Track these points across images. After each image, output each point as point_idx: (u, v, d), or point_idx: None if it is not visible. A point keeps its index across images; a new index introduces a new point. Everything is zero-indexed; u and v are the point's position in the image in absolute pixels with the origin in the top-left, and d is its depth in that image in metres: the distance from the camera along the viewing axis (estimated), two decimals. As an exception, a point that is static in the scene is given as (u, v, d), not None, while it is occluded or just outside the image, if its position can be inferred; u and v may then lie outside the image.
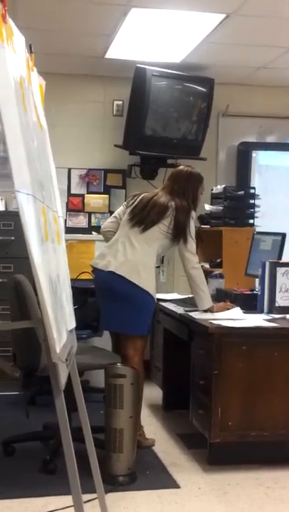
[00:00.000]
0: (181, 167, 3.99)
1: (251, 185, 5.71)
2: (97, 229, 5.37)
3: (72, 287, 2.74)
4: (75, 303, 2.75)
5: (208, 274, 4.36)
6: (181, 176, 3.87)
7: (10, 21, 1.86)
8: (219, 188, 5.47)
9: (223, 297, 4.21)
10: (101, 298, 3.84)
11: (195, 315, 3.73)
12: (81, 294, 4.52)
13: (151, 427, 4.12)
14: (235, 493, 3.19)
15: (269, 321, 3.67)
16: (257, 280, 4.19)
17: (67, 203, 5.61)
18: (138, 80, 5.12)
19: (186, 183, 3.82)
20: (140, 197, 3.84)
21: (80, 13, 4.18)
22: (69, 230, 5.46)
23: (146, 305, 3.70)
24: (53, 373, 1.87)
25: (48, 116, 2.69)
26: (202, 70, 5.39)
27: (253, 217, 5.40)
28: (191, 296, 4.02)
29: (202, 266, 3.92)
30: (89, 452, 2.64)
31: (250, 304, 4.03)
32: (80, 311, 4.22)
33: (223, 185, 5.43)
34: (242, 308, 3.89)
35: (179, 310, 4.00)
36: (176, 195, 3.77)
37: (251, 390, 3.45)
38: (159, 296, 4.05)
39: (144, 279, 3.65)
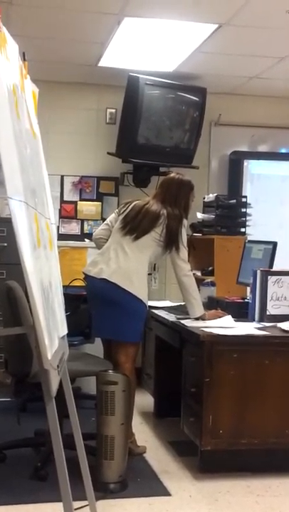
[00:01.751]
0: (172, 175, 4.00)
1: (243, 194, 5.74)
2: (90, 236, 5.39)
3: (65, 294, 2.75)
4: (67, 309, 2.75)
5: (199, 282, 4.38)
6: (172, 183, 3.88)
7: (3, 29, 1.88)
8: (211, 196, 5.50)
9: (214, 305, 4.22)
10: (93, 305, 3.85)
11: (187, 322, 3.75)
12: (73, 300, 4.52)
13: (143, 434, 4.12)
14: (225, 500, 3.20)
15: (260, 329, 3.68)
16: (248, 288, 4.20)
17: (60, 210, 5.63)
18: (131, 88, 5.15)
19: (177, 191, 3.84)
20: (132, 205, 3.86)
21: (73, 21, 4.21)
22: (61, 237, 5.47)
23: (139, 312, 3.71)
24: (45, 380, 1.87)
25: (42, 123, 2.70)
26: (195, 80, 5.42)
27: (244, 225, 5.43)
28: (182, 303, 4.03)
29: (194, 274, 3.93)
30: (80, 459, 2.64)
31: (241, 312, 4.04)
32: (72, 317, 4.22)
33: (215, 194, 5.46)
34: (233, 317, 3.90)
35: (171, 317, 4.01)
36: (168, 203, 3.79)
37: (242, 398, 3.46)
38: (151, 303, 4.06)
39: (137, 286, 3.66)
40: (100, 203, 5.71)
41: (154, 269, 5.59)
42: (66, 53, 4.92)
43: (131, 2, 3.83)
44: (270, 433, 3.49)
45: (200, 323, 3.71)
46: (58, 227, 5.57)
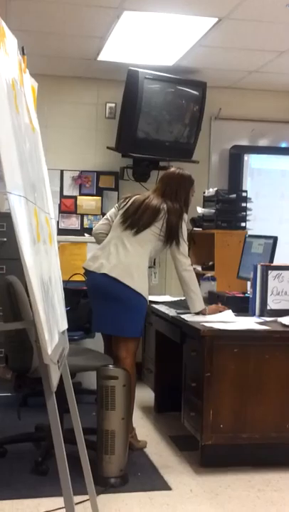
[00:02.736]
0: (172, 169, 3.99)
1: (243, 189, 5.73)
2: (90, 231, 5.38)
3: (65, 289, 2.75)
4: (67, 304, 2.75)
5: (200, 277, 4.37)
6: (172, 178, 3.88)
7: (2, 23, 1.87)
8: (211, 191, 5.50)
9: (215, 300, 4.22)
10: (94, 300, 3.84)
11: (187, 317, 3.74)
12: (73, 295, 4.52)
13: (144, 429, 4.12)
14: (226, 495, 3.20)
15: (260, 323, 3.68)
16: (249, 283, 4.20)
17: (59, 205, 5.62)
18: (131, 82, 5.13)
19: (177, 186, 3.83)
20: (132, 199, 3.85)
21: (72, 15, 4.19)
22: (61, 232, 5.46)
23: (139, 307, 3.70)
24: (45, 375, 1.88)
25: (41, 118, 2.70)
26: (194, 74, 5.41)
27: (244, 220, 5.43)
28: (183, 298, 4.03)
29: (194, 268, 3.93)
30: (81, 454, 2.65)
31: (242, 306, 4.04)
32: (72, 312, 4.24)
33: (216, 189, 5.45)
34: (234, 311, 3.90)
35: (171, 312, 4.01)
36: (168, 197, 3.78)
37: (243, 393, 3.46)
38: (151, 298, 4.06)
39: (137, 281, 3.66)
40: (99, 198, 5.70)
41: (155, 264, 5.59)
42: (65, 47, 4.90)
43: (130, -4, 3.82)
44: (271, 427, 3.49)
45: (200, 318, 3.71)
46: (58, 221, 5.57)
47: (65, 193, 5.67)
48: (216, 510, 3.04)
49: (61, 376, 2.22)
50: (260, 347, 3.49)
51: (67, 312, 2.71)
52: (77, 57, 5.13)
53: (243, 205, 5.42)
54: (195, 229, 5.52)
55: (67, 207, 5.66)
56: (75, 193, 5.69)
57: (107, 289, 3.68)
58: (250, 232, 5.17)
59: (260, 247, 4.35)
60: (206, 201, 5.55)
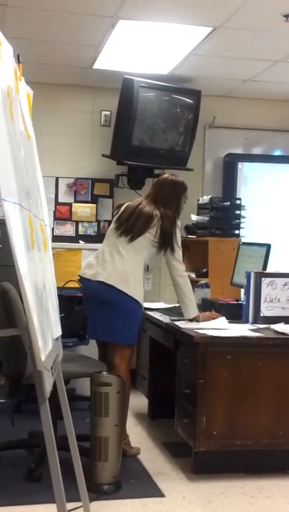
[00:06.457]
0: (165, 175, 4.00)
1: (237, 197, 5.76)
2: (84, 238, 5.40)
3: (59, 295, 2.76)
4: (61, 311, 2.76)
5: (194, 284, 4.38)
6: (165, 184, 3.89)
7: (-2, 32, 1.89)
8: (205, 198, 5.52)
9: (208, 307, 4.23)
10: (89, 307, 3.85)
11: (181, 324, 3.75)
12: (68, 302, 4.53)
13: (137, 435, 4.12)
14: (219, 502, 3.20)
15: (254, 330, 3.69)
16: (242, 290, 4.22)
17: (54, 212, 5.63)
18: (126, 90, 5.16)
19: (170, 192, 3.84)
20: (125, 206, 3.86)
21: (68, 23, 4.22)
22: (56, 239, 5.47)
23: (135, 314, 3.71)
24: (38, 381, 1.88)
25: (37, 125, 2.71)
26: (189, 82, 5.44)
27: (238, 227, 5.45)
28: (177, 305, 4.04)
29: (188, 275, 3.94)
30: (74, 460, 2.65)
31: (235, 313, 4.05)
32: (67, 319, 4.24)
33: (210, 196, 5.48)
34: (227, 318, 3.92)
35: (165, 319, 4.02)
36: (160, 203, 3.79)
37: (236, 399, 3.47)
38: (145, 305, 4.06)
39: (133, 287, 3.67)
40: (94, 205, 5.72)
41: (147, 270, 5.60)
42: (61, 55, 4.93)
43: (125, 5, 3.85)
44: (264, 434, 3.50)
45: (194, 325, 3.72)
46: (53, 228, 5.58)
47: (60, 200, 5.68)
48: (209, 517, 3.05)
49: (55, 383, 2.22)
50: (253, 354, 3.50)
51: (62, 319, 2.72)
52: (73, 65, 5.16)
53: (237, 212, 5.45)
54: (189, 236, 5.53)
55: (62, 214, 5.67)
56: (70, 200, 5.70)
57: (103, 295, 3.68)
58: (243, 240, 5.19)
59: (253, 254, 4.37)
60: (200, 209, 5.57)
